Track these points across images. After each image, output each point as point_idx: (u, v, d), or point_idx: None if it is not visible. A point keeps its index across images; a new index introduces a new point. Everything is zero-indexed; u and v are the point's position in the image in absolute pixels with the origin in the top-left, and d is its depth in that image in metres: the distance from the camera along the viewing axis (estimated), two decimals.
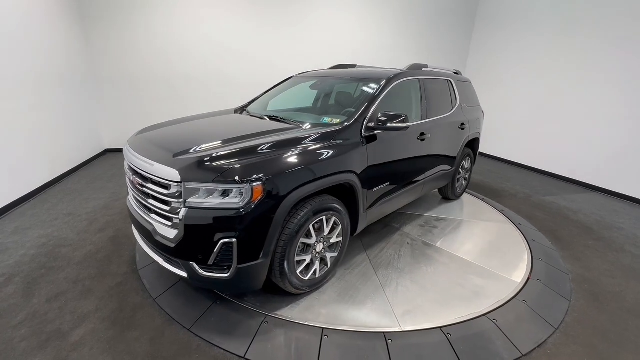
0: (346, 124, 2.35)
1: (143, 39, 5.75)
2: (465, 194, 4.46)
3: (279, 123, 2.56)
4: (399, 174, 2.85)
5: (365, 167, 2.35)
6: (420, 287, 2.41)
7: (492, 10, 6.74)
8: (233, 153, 1.87)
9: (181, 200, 1.75)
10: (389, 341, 1.89)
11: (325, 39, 6.54)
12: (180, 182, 1.72)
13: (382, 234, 3.21)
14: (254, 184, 1.71)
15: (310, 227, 2.07)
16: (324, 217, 2.14)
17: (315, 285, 2.30)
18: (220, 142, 2.04)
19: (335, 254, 2.38)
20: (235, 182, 1.70)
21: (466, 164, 4.10)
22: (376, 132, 2.44)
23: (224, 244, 1.73)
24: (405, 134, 2.74)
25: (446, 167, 3.58)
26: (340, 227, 2.30)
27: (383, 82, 2.70)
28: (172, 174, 1.74)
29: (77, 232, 3.07)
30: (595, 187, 5.04)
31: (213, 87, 6.31)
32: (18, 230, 3.07)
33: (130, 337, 1.88)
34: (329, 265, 2.35)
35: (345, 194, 2.35)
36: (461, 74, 3.98)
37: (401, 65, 3.51)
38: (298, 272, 2.11)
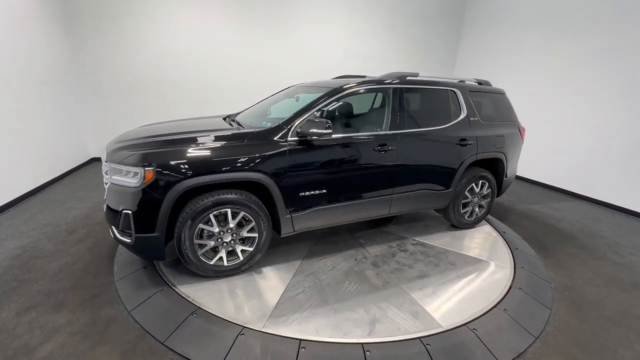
0: (268, 126, 2.51)
1: (132, 45, 5.75)
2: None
3: (226, 124, 2.87)
4: (343, 183, 2.71)
5: (285, 170, 2.40)
6: (323, 300, 2.30)
7: (479, 17, 6.93)
8: (146, 143, 2.29)
9: (108, 176, 2.28)
10: (242, 335, 1.96)
11: (316, 47, 6.62)
12: (107, 162, 2.28)
13: (339, 245, 3.11)
14: (146, 169, 2.09)
15: (211, 216, 2.26)
16: (229, 210, 2.30)
17: (221, 272, 2.46)
18: (158, 135, 2.41)
19: (250, 249, 2.49)
20: (134, 165, 2.12)
21: (479, 188, 3.44)
22: (310, 137, 2.45)
23: (125, 214, 2.16)
24: (354, 142, 2.68)
25: (436, 186, 3.18)
26: (254, 223, 2.41)
27: (328, 91, 2.69)
28: (104, 155, 2.36)
29: (55, 243, 2.99)
30: (579, 195, 5.11)
31: (202, 95, 6.31)
32: None
33: (100, 351, 1.82)
34: (240, 258, 2.47)
35: (266, 193, 2.45)
36: (488, 84, 3.64)
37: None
38: (199, 254, 2.33)
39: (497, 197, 3.71)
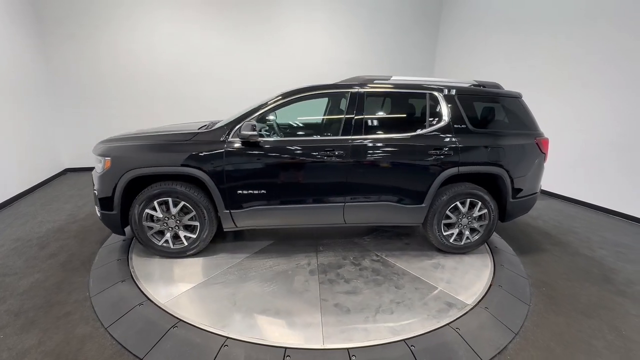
0: (211, 127, 2.79)
1: (106, 54, 5.61)
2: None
3: (193, 126, 3.05)
4: (283, 186, 2.73)
5: (222, 168, 2.59)
6: (232, 293, 2.40)
7: (455, 18, 7.18)
8: (115, 139, 2.78)
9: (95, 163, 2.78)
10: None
11: (295, 56, 6.66)
12: (93, 152, 2.79)
13: (294, 248, 3.13)
14: (105, 158, 2.60)
15: (155, 203, 2.63)
16: (170, 199, 2.63)
17: (169, 254, 2.82)
18: (134, 134, 2.88)
19: (193, 236, 2.78)
20: (100, 155, 2.65)
21: (466, 207, 2.94)
22: (249, 140, 2.59)
23: (95, 193, 2.70)
24: (298, 146, 2.70)
25: (403, 200, 2.87)
26: (194, 213, 2.69)
27: (279, 96, 2.78)
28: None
29: (25, 259, 2.84)
30: (553, 194, 5.34)
31: (178, 103, 6.21)
32: None
33: None
34: (185, 243, 2.79)
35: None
36: (497, 87, 3.19)
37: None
38: (149, 235, 2.72)
39: (503, 221, 3.14)
